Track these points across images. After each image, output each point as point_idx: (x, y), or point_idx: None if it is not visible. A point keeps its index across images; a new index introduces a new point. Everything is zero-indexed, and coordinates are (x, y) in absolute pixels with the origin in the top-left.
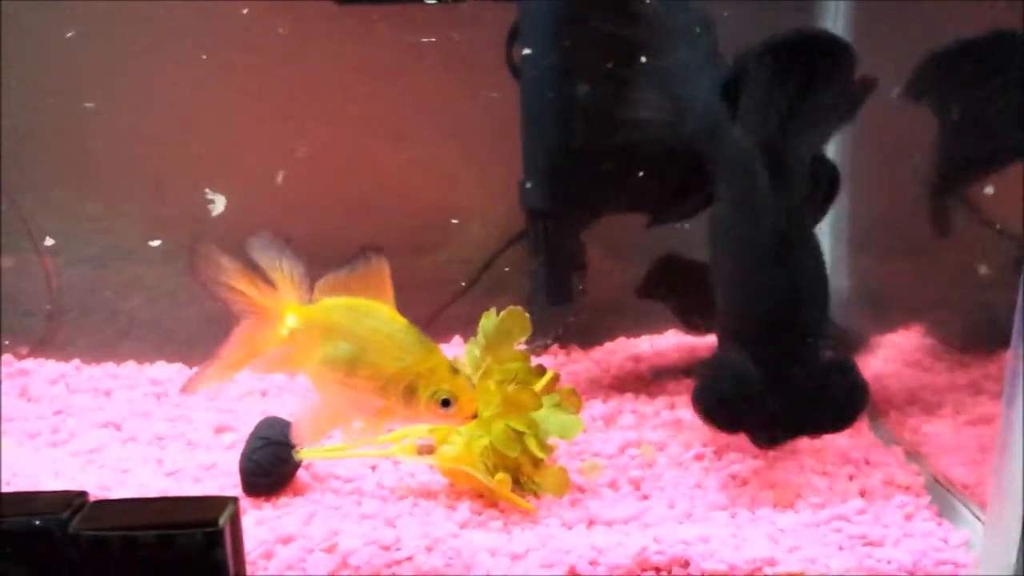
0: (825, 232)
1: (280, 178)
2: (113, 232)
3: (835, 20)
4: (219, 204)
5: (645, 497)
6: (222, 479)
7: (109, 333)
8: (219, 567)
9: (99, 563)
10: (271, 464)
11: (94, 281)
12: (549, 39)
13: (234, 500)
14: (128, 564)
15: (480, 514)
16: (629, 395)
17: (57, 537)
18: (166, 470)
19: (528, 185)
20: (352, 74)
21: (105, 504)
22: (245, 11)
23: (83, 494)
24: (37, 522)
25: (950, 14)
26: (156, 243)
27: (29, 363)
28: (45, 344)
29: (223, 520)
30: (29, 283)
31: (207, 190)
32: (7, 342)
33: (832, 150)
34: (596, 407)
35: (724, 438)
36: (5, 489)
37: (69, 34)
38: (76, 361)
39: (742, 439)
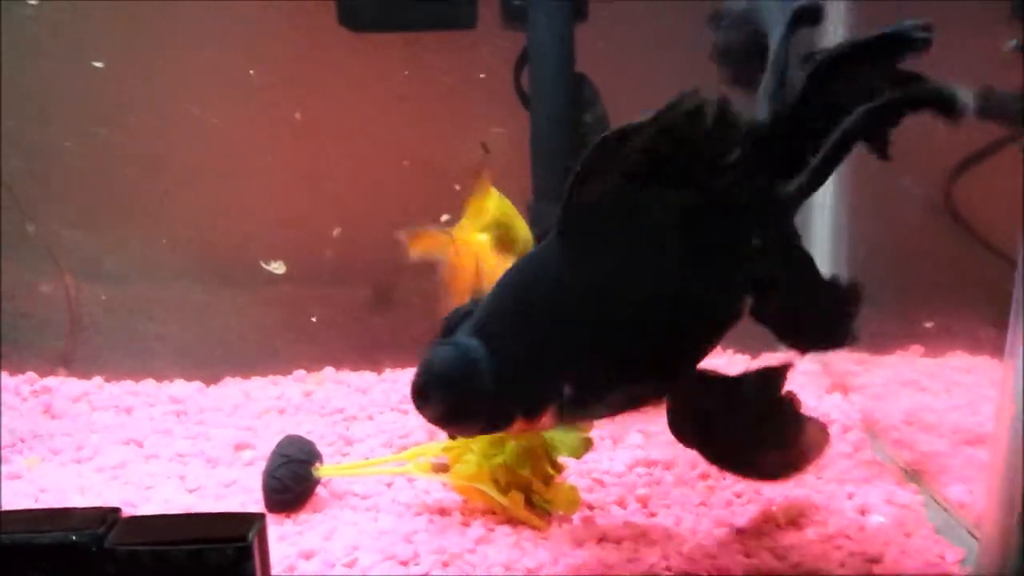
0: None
1: (336, 232)
2: (129, 251)
3: (836, 19)
4: (280, 267)
5: (652, 515)
6: (243, 495)
7: (126, 351)
8: None
9: None
10: (292, 481)
11: (110, 300)
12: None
13: (261, 516)
14: None
15: (493, 531)
16: (637, 415)
17: (93, 552)
18: (188, 487)
19: (537, 206)
20: (364, 96)
21: (137, 520)
22: (251, 72)
23: (116, 510)
24: (73, 537)
25: (945, 13)
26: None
27: (52, 380)
28: (65, 362)
29: (252, 535)
30: (47, 301)
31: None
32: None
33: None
34: (604, 426)
35: None
36: (34, 505)
37: (97, 64)
38: (98, 379)
39: None
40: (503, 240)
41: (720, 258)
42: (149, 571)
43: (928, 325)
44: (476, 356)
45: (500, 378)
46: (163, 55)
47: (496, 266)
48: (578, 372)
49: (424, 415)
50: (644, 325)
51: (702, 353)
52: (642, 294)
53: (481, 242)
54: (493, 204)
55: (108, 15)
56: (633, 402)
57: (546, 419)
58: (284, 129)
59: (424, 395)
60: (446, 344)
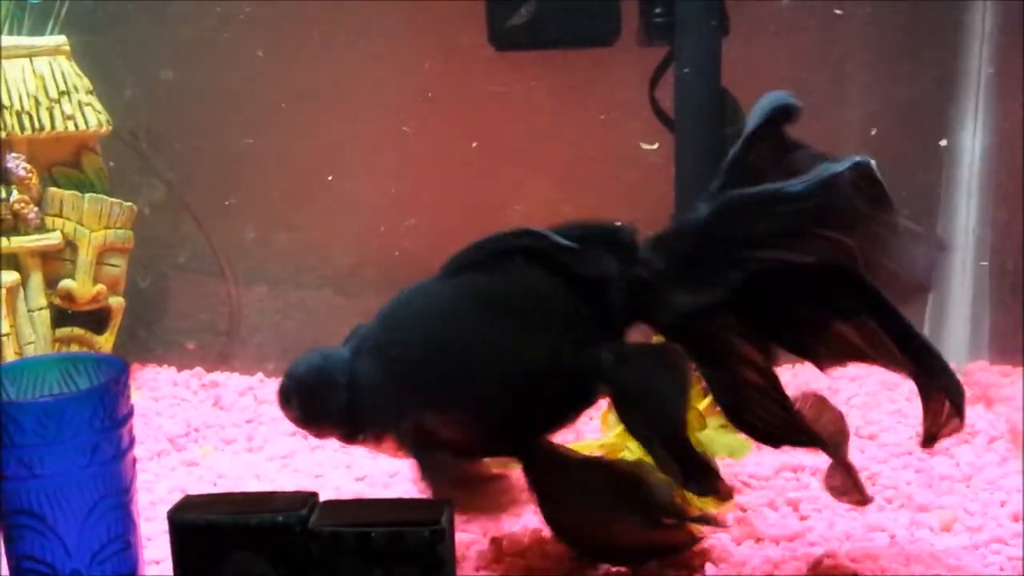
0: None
1: None
2: (284, 257)
3: (983, 18)
4: None
5: (804, 517)
6: (407, 485)
7: (279, 351)
8: (441, 563)
9: (335, 557)
10: None
11: (263, 302)
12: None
13: (449, 503)
14: (361, 558)
15: None
16: None
17: (298, 532)
18: (355, 475)
19: None
20: (508, 115)
21: (335, 504)
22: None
23: (314, 494)
24: (280, 519)
25: None
26: None
27: (218, 375)
28: (225, 359)
29: (444, 520)
30: (205, 302)
31: None
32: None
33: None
34: None
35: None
36: (213, 489)
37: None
38: (260, 374)
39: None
40: None
41: (574, 343)
42: (350, 551)
43: None
44: (336, 367)
45: (352, 394)
46: (326, 69)
47: None
48: (425, 409)
49: (284, 415)
50: (494, 384)
51: (548, 427)
52: (497, 355)
53: None
54: None
55: (275, 34)
56: (470, 455)
57: (389, 446)
58: (437, 148)
59: (282, 397)
60: (315, 352)
